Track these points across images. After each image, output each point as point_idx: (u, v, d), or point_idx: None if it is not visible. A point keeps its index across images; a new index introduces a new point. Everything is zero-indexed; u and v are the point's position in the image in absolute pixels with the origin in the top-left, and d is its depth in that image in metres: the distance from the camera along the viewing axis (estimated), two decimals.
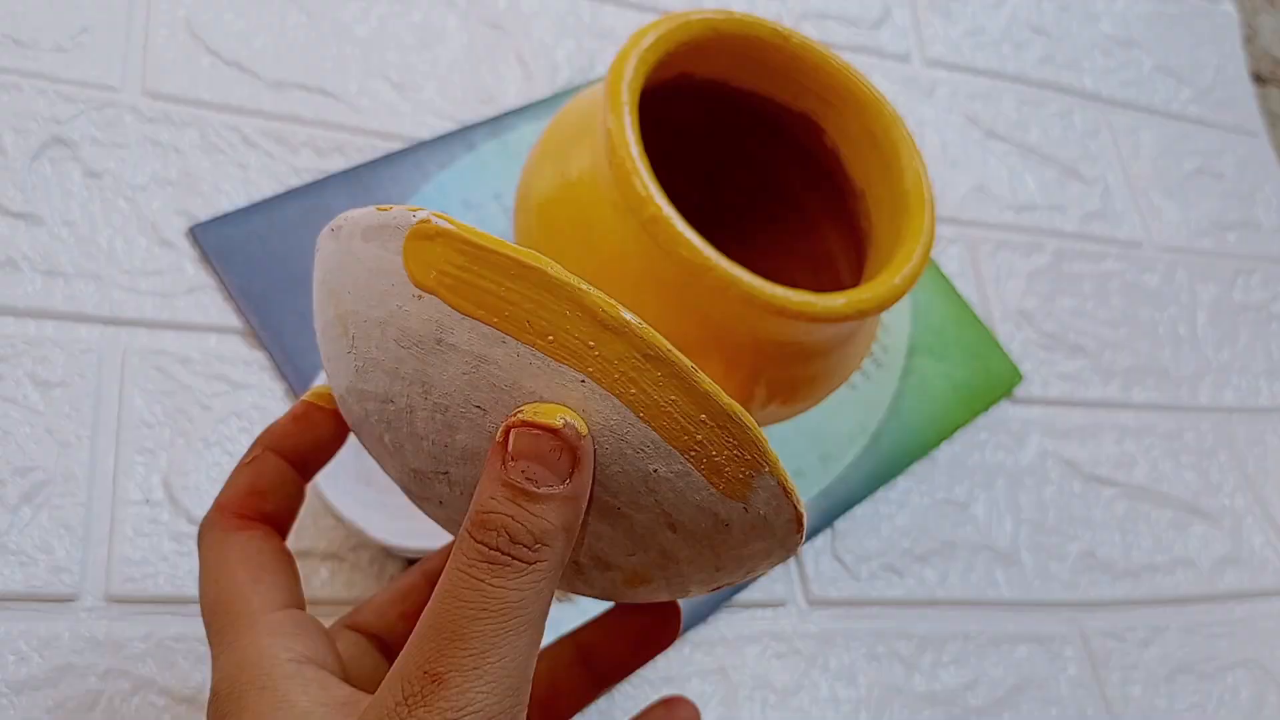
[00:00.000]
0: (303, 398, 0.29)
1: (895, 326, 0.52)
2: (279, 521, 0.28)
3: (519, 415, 0.21)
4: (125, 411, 0.39)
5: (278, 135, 0.45)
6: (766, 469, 0.23)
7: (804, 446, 0.48)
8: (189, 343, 0.40)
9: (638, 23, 0.55)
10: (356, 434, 0.27)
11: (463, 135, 0.48)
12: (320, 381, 0.38)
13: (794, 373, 0.38)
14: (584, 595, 0.27)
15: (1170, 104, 0.69)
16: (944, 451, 0.51)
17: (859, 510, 0.48)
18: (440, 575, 0.30)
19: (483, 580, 0.21)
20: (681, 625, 0.29)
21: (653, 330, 0.21)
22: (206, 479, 0.39)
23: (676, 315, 0.35)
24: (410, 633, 0.30)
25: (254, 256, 0.42)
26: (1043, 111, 0.64)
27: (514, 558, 0.21)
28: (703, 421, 0.22)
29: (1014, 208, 0.60)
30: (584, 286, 0.21)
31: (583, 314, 0.21)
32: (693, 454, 0.22)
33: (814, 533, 0.46)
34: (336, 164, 0.46)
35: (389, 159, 0.46)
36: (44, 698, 0.34)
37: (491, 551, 0.21)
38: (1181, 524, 0.54)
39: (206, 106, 0.45)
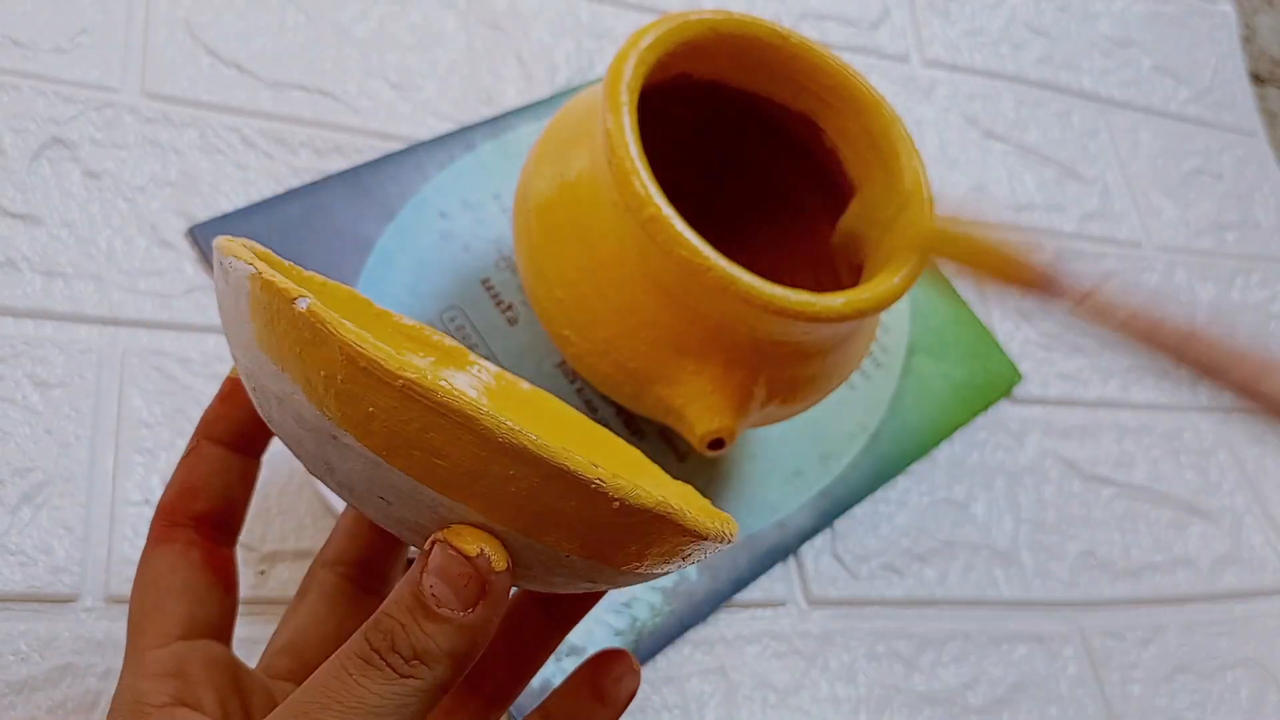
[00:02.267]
0: (229, 375, 0.27)
1: (895, 326, 0.52)
2: (217, 516, 0.27)
3: (443, 531, 0.21)
4: (124, 412, 0.39)
5: (277, 136, 0.45)
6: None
7: (804, 446, 0.48)
8: (188, 343, 0.40)
9: (637, 23, 0.55)
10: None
11: (462, 135, 0.48)
12: None
13: (793, 372, 0.38)
14: None
15: (1169, 104, 0.69)
16: (943, 451, 0.51)
17: (859, 510, 0.48)
18: None
19: (350, 674, 0.21)
20: None
21: (549, 444, 0.20)
22: None
23: (675, 315, 0.36)
24: (382, 549, 0.30)
25: None
26: (1041, 111, 0.64)
27: (386, 663, 0.21)
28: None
29: (1013, 208, 0.60)
30: (475, 406, 0.19)
31: (472, 437, 0.19)
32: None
33: (814, 532, 0.46)
34: (336, 164, 0.46)
35: (388, 159, 0.46)
36: (44, 698, 0.34)
37: (370, 651, 0.21)
38: (1181, 523, 0.54)
39: (206, 107, 0.45)
